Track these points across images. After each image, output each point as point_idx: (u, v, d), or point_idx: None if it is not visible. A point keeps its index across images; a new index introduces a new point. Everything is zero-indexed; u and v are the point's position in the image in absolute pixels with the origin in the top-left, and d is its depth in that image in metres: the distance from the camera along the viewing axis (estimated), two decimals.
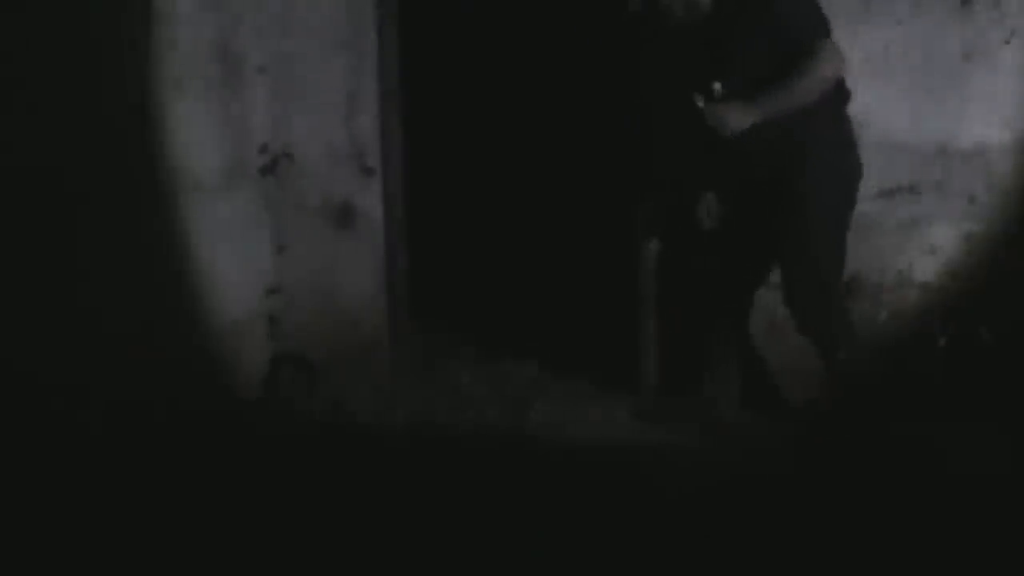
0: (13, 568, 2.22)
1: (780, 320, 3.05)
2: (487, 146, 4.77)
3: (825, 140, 2.83)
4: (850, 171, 2.90)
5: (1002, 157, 3.31)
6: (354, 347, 3.30)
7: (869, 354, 3.01)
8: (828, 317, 2.91)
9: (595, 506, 2.56)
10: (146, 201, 2.87)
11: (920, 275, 3.34)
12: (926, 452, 2.78)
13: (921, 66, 3.26)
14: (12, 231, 2.49)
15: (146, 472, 2.60)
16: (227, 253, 3.07)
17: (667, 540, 2.40)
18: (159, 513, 2.45)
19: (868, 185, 3.29)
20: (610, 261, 3.56)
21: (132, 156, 2.83)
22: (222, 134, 3.05)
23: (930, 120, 3.29)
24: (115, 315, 2.71)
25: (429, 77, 4.32)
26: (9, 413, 2.46)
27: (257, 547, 2.36)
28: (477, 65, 4.72)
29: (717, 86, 2.82)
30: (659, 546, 2.37)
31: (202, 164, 2.99)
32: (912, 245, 3.33)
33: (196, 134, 2.95)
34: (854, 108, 3.13)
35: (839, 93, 2.85)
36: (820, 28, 2.74)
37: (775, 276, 3.01)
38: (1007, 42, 3.27)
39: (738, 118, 2.76)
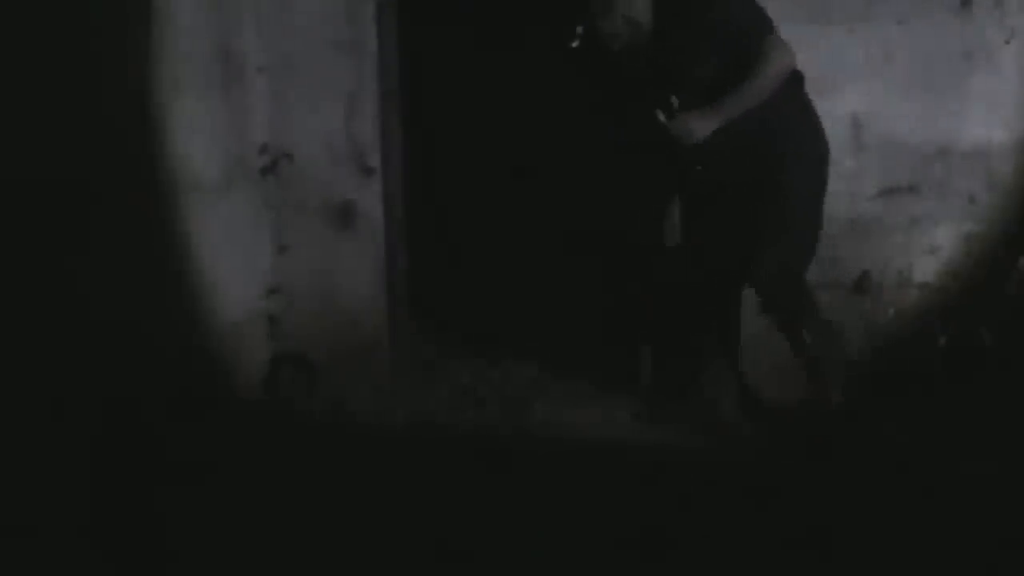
0: (13, 568, 2.22)
1: None
2: (487, 146, 4.77)
3: (791, 126, 2.86)
4: (818, 153, 2.92)
5: (1002, 157, 3.31)
6: (354, 347, 3.30)
7: (837, 336, 3.01)
8: (796, 298, 2.93)
9: (595, 506, 2.56)
10: (146, 201, 2.87)
11: (920, 275, 3.35)
12: (925, 452, 2.78)
13: (921, 66, 3.26)
14: (12, 231, 2.49)
15: (146, 472, 2.60)
16: (227, 253, 3.07)
17: (667, 540, 2.40)
18: (159, 513, 2.45)
19: (868, 185, 3.30)
20: (610, 261, 3.56)
21: (132, 156, 2.83)
22: (222, 134, 3.05)
23: (930, 120, 3.29)
24: (115, 315, 2.71)
25: (429, 77, 4.32)
26: (11, 414, 2.46)
27: (257, 547, 2.36)
28: (477, 65, 4.71)
29: (674, 100, 2.88)
30: (659, 546, 2.37)
31: (202, 164, 2.99)
32: (912, 245, 3.33)
33: (196, 134, 2.95)
34: (854, 108, 3.14)
35: (794, 78, 2.86)
36: (762, 25, 2.78)
37: None
38: (1007, 42, 3.27)
39: (700, 126, 2.83)
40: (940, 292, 3.34)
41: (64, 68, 2.58)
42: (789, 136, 2.85)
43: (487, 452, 2.97)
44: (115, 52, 2.75)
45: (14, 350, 2.50)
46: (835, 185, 3.15)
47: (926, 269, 3.34)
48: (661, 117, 2.88)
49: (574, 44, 2.93)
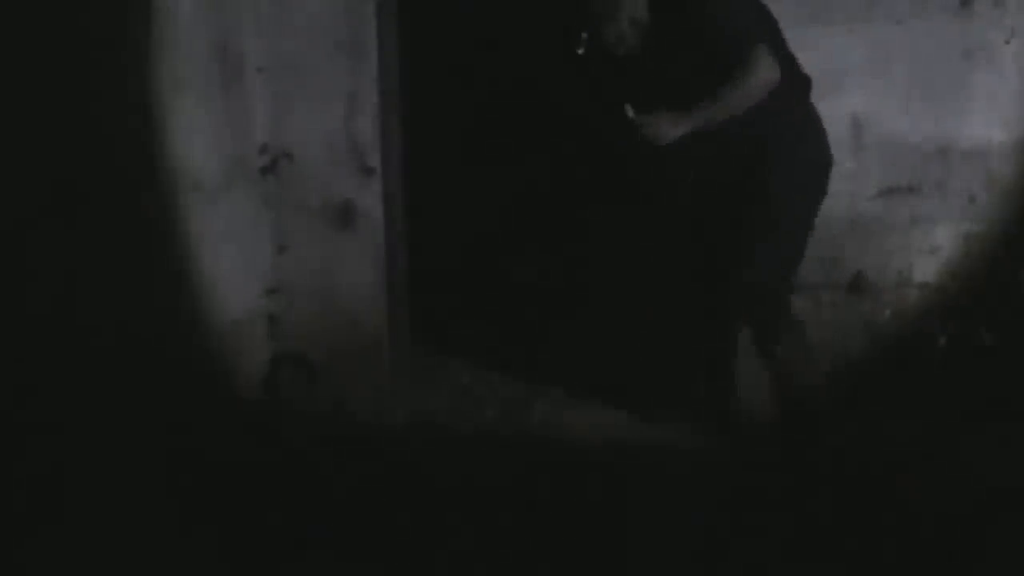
0: (13, 568, 2.22)
1: None
2: (487, 146, 4.77)
3: (786, 130, 2.80)
4: (814, 159, 2.85)
5: (1002, 157, 3.31)
6: (354, 347, 3.29)
7: (811, 354, 2.96)
8: (775, 309, 2.87)
9: (595, 506, 2.56)
10: (146, 201, 2.87)
11: (920, 275, 3.35)
12: (924, 453, 2.78)
13: (921, 66, 3.26)
14: (11, 231, 2.49)
15: (145, 472, 2.60)
16: (227, 253, 3.07)
17: (667, 541, 2.40)
18: (158, 513, 2.45)
19: (868, 185, 3.30)
20: (610, 261, 3.56)
21: (132, 156, 2.83)
22: (222, 134, 3.05)
23: (930, 120, 3.30)
24: (114, 315, 2.71)
25: (429, 77, 4.32)
26: (10, 414, 2.46)
27: (257, 547, 2.36)
28: (477, 65, 4.72)
29: (628, 109, 2.83)
30: (659, 546, 2.37)
31: (202, 164, 2.99)
32: (912, 245, 3.33)
33: (196, 134, 2.95)
34: (854, 108, 3.14)
35: (797, 82, 2.83)
36: (752, 37, 2.70)
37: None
38: (1007, 42, 3.27)
39: (670, 129, 2.77)
40: (940, 292, 3.34)
41: (63, 67, 2.58)
42: (784, 143, 2.79)
43: (487, 452, 2.97)
44: (115, 51, 2.75)
45: (14, 350, 2.50)
46: (835, 185, 3.15)
47: (926, 269, 3.35)
48: (630, 113, 2.80)
49: (580, 51, 2.90)
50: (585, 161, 4.18)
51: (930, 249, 3.34)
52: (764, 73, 2.69)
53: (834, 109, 3.14)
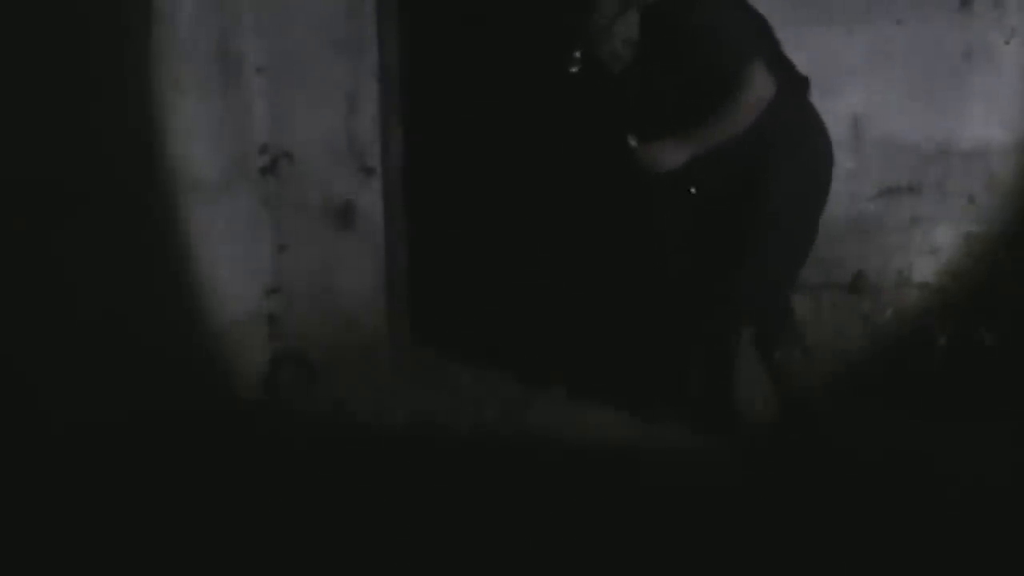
0: (13, 569, 2.22)
1: None
2: (487, 146, 4.77)
3: (786, 132, 2.77)
4: (815, 160, 2.83)
5: (1002, 157, 3.31)
6: (354, 347, 3.30)
7: (808, 355, 2.95)
8: (778, 311, 2.88)
9: (595, 506, 2.56)
10: (146, 201, 2.87)
11: (920, 275, 3.35)
12: (924, 453, 2.78)
13: (921, 66, 3.26)
14: (11, 231, 2.49)
15: (146, 472, 2.60)
16: (227, 253, 3.07)
17: (667, 541, 2.40)
18: (159, 513, 2.45)
19: (868, 185, 3.30)
20: (610, 261, 3.56)
21: (132, 156, 2.83)
22: (222, 134, 3.05)
23: (930, 120, 3.30)
24: (115, 315, 2.71)
25: (429, 77, 4.32)
26: (8, 414, 2.46)
27: (257, 547, 2.36)
28: (478, 65, 4.71)
29: (631, 140, 2.85)
30: (659, 547, 2.37)
31: (202, 164, 2.99)
32: (912, 245, 3.33)
33: (196, 134, 2.95)
34: (854, 108, 3.14)
35: (795, 83, 2.82)
36: (745, 52, 2.68)
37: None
38: (1007, 42, 3.27)
39: (669, 157, 2.79)
40: (940, 292, 3.34)
41: (64, 67, 2.58)
42: (784, 145, 2.77)
43: (487, 452, 2.97)
44: (115, 51, 2.75)
45: (14, 351, 2.50)
46: (835, 185, 3.14)
47: (926, 269, 3.35)
48: (632, 142, 2.84)
49: (573, 69, 2.91)
50: (585, 161, 4.18)
51: (930, 249, 3.34)
52: (758, 91, 2.67)
53: (834, 109, 3.14)
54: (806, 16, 3.20)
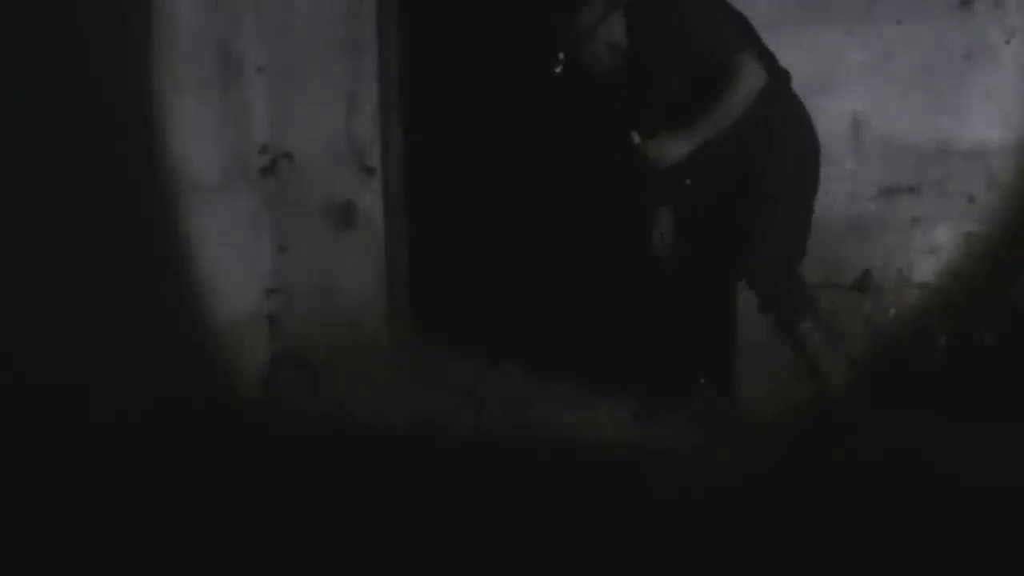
0: (14, 568, 2.22)
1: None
2: (487, 146, 4.78)
3: (776, 126, 2.84)
4: (806, 147, 2.91)
5: (1002, 157, 3.30)
6: (354, 347, 3.30)
7: (836, 335, 2.99)
8: (790, 294, 2.94)
9: (595, 506, 2.56)
10: (146, 201, 2.87)
11: (920, 275, 3.34)
12: (925, 452, 2.78)
13: (921, 66, 3.26)
14: (12, 231, 2.49)
15: (147, 472, 2.61)
16: (227, 253, 3.07)
17: (667, 541, 2.40)
18: (160, 513, 2.45)
19: (868, 185, 3.30)
20: (610, 261, 3.56)
21: (132, 156, 2.83)
22: (222, 134, 3.05)
23: (930, 120, 3.29)
24: (114, 315, 2.71)
25: (429, 77, 4.32)
26: (10, 414, 2.46)
27: (257, 547, 2.36)
28: (477, 65, 4.72)
29: (635, 136, 2.88)
30: (659, 547, 2.37)
31: (202, 164, 2.99)
32: (912, 245, 3.33)
33: (196, 134, 2.95)
34: (854, 108, 3.13)
35: (778, 77, 2.86)
36: (733, 43, 2.76)
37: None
38: (1007, 42, 3.26)
39: (674, 150, 2.83)
40: (940, 292, 3.34)
41: (64, 67, 2.58)
42: (773, 136, 2.84)
43: (487, 452, 2.97)
44: (115, 51, 2.75)
45: (14, 351, 2.50)
46: (835, 185, 3.16)
47: (926, 269, 3.34)
48: (636, 139, 2.87)
49: (557, 70, 2.93)
50: (585, 159, 4.18)
51: (930, 249, 3.33)
52: (751, 81, 2.75)
53: (834, 109, 3.14)
54: (806, 16, 3.20)
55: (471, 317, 4.01)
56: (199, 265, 2.99)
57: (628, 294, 3.58)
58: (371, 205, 3.30)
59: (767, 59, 2.85)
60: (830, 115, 3.06)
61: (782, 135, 2.85)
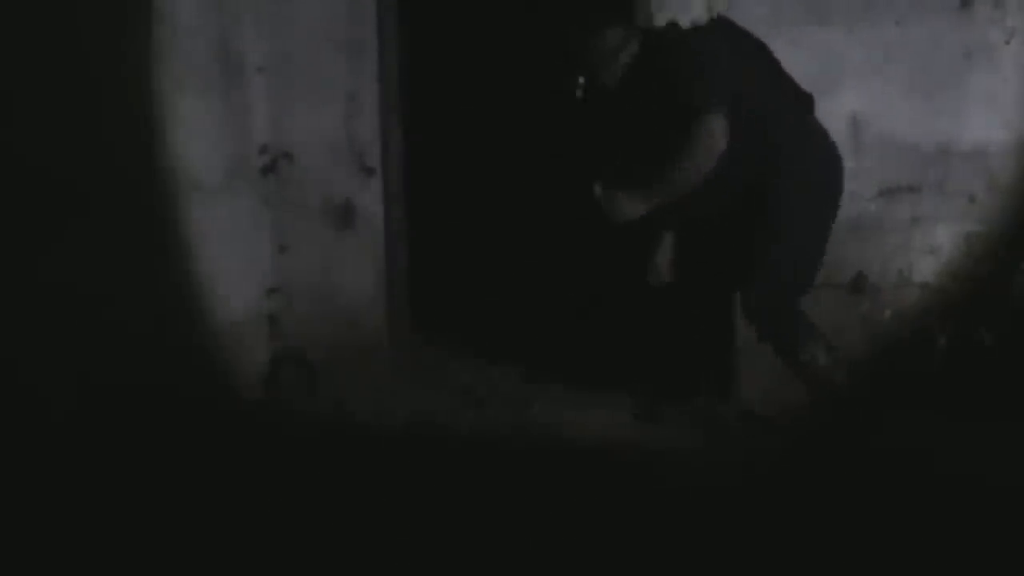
0: (11, 567, 2.22)
1: None
2: (487, 146, 4.77)
3: (788, 150, 2.78)
4: (817, 176, 2.84)
5: (1002, 157, 3.31)
6: (354, 347, 3.30)
7: (837, 354, 2.92)
8: (788, 328, 2.85)
9: (595, 506, 2.56)
10: (146, 201, 2.87)
11: (920, 275, 3.34)
12: (925, 452, 2.78)
13: (921, 66, 3.26)
14: (12, 231, 2.49)
15: (147, 472, 2.61)
16: (227, 253, 3.07)
17: (667, 540, 2.40)
18: (160, 513, 2.45)
19: (868, 185, 3.30)
20: (611, 261, 3.56)
21: (132, 156, 2.83)
22: (222, 134, 3.05)
23: (930, 120, 3.29)
24: (115, 315, 2.71)
25: (429, 77, 4.32)
26: (9, 415, 2.46)
27: (257, 547, 2.36)
28: (478, 65, 4.72)
29: (597, 189, 2.86)
30: (659, 546, 2.37)
31: (202, 164, 2.99)
32: (912, 245, 3.33)
33: (196, 134, 2.96)
34: (854, 108, 3.13)
35: (795, 101, 2.83)
36: (706, 100, 2.67)
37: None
38: (1007, 42, 3.27)
39: (628, 209, 2.81)
40: (940, 292, 3.34)
41: (64, 68, 2.58)
42: (785, 165, 2.77)
43: (487, 452, 2.97)
44: (115, 52, 2.75)
45: (14, 351, 2.50)
46: None
47: (926, 269, 3.34)
48: (597, 190, 2.85)
49: (578, 94, 2.92)
50: (585, 159, 4.17)
51: (930, 249, 3.33)
52: (704, 149, 2.67)
53: (834, 109, 3.14)
54: (806, 16, 3.20)
55: (471, 317, 4.01)
56: (199, 265, 3.00)
57: (628, 294, 3.57)
58: (371, 205, 3.30)
59: (784, 86, 2.81)
60: (830, 115, 3.06)
61: (791, 167, 2.78)
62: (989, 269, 3.31)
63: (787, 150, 2.78)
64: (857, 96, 3.24)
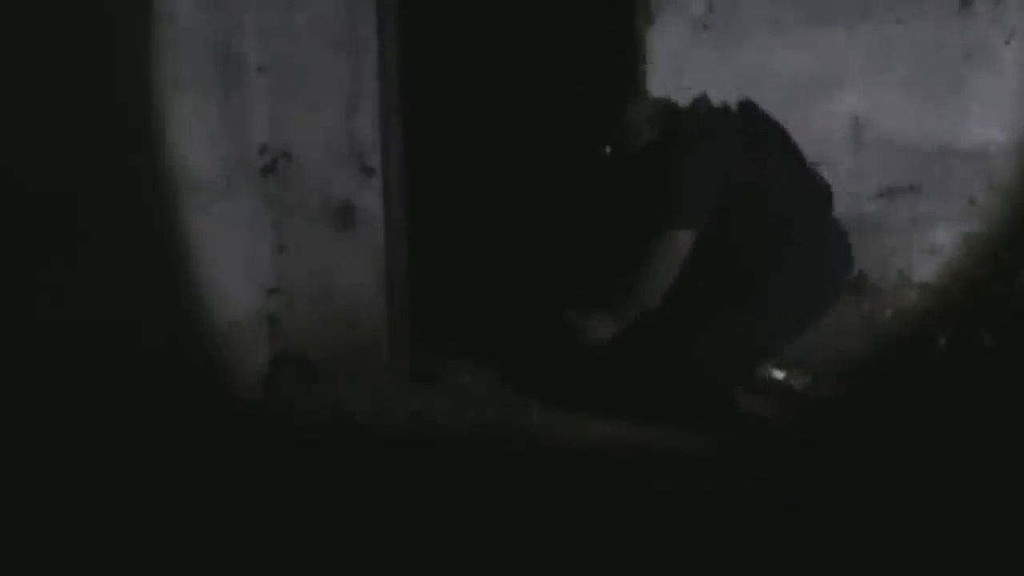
0: (11, 568, 2.22)
1: None
2: (487, 145, 4.77)
3: (791, 243, 2.86)
4: (817, 272, 2.91)
5: (1002, 158, 3.31)
6: (354, 347, 3.29)
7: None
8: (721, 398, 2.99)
9: (596, 506, 2.56)
10: (146, 201, 2.87)
11: (920, 275, 3.35)
12: (924, 453, 2.78)
13: (921, 66, 3.26)
14: (11, 231, 2.49)
15: (147, 472, 2.61)
16: (227, 253, 3.07)
17: (668, 541, 2.40)
18: (159, 513, 2.45)
19: (868, 185, 3.30)
20: (611, 259, 3.55)
21: (132, 156, 2.83)
22: (222, 134, 3.05)
23: (930, 120, 3.30)
24: (114, 316, 2.71)
25: (429, 77, 4.32)
26: (8, 415, 2.46)
27: (257, 547, 2.36)
28: (478, 65, 4.72)
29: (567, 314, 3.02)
30: (660, 547, 2.37)
31: (202, 164, 2.99)
32: (913, 245, 3.33)
33: (196, 134, 2.95)
34: (854, 108, 3.14)
35: (814, 198, 2.89)
36: (677, 214, 2.80)
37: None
38: (1007, 42, 3.27)
39: (597, 331, 2.98)
40: (940, 292, 3.34)
41: (64, 68, 2.58)
42: (786, 256, 2.86)
43: (487, 452, 2.97)
44: (115, 51, 2.74)
45: (13, 351, 2.49)
46: (835, 185, 3.16)
47: (926, 269, 3.35)
48: (571, 316, 3.01)
49: (605, 163, 3.03)
50: (585, 159, 4.17)
51: (930, 249, 3.34)
52: (665, 266, 2.84)
53: (834, 109, 3.15)
54: (806, 16, 3.20)
55: (471, 317, 4.00)
56: (199, 265, 2.99)
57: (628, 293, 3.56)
58: (371, 205, 3.30)
59: (803, 178, 2.87)
60: (830, 115, 3.07)
61: (791, 258, 2.85)
62: (989, 270, 3.31)
63: (793, 260, 2.85)
64: (858, 96, 3.24)
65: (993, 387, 3.03)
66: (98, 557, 2.27)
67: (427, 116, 4.11)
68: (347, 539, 2.41)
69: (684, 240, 2.81)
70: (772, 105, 3.18)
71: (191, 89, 2.92)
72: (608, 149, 2.99)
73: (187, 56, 2.90)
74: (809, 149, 3.04)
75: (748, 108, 2.95)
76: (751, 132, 2.88)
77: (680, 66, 3.23)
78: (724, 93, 3.19)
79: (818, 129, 3.16)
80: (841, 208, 3.23)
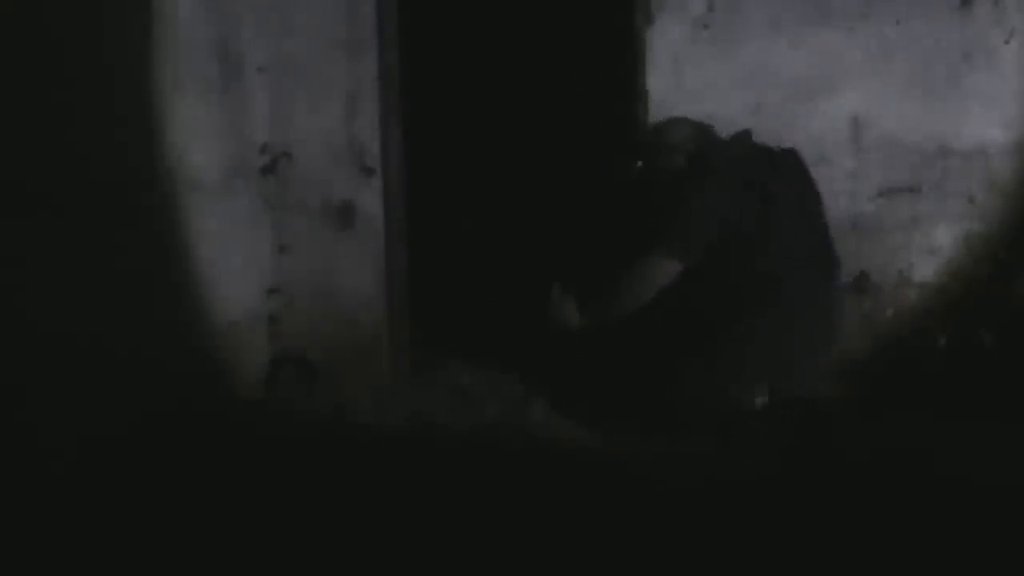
0: (12, 568, 2.22)
1: None
2: (487, 145, 4.78)
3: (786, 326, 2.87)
4: (808, 345, 2.92)
5: (1002, 157, 3.31)
6: (354, 347, 3.30)
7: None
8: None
9: (596, 506, 2.56)
10: (146, 201, 2.87)
11: (920, 275, 3.35)
12: (925, 452, 2.78)
13: (921, 66, 3.26)
14: (11, 231, 2.49)
15: (146, 473, 2.61)
16: (227, 253, 3.07)
17: (668, 541, 2.40)
18: (159, 515, 2.45)
19: (868, 185, 3.30)
20: (611, 260, 3.55)
21: (132, 156, 2.83)
22: (222, 134, 3.05)
23: (930, 120, 3.30)
24: (114, 315, 2.71)
25: (429, 77, 4.32)
26: (8, 415, 2.46)
27: (257, 548, 2.36)
28: (478, 64, 4.72)
29: (555, 289, 3.03)
30: (660, 547, 2.37)
31: (202, 164, 2.99)
32: (912, 245, 3.33)
33: (196, 134, 2.96)
34: (854, 108, 3.14)
35: (816, 264, 2.89)
36: (671, 241, 2.82)
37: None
38: (1007, 42, 3.27)
39: (571, 319, 2.99)
40: (940, 292, 3.34)
41: (64, 68, 2.58)
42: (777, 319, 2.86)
43: (487, 452, 2.97)
44: (115, 51, 2.75)
45: (13, 351, 2.49)
46: (835, 185, 3.17)
47: (926, 269, 3.35)
48: (556, 291, 3.00)
49: (632, 175, 3.04)
50: (585, 159, 4.18)
51: (930, 249, 3.34)
52: (642, 287, 2.86)
53: (834, 109, 3.15)
54: (806, 16, 3.20)
55: (471, 317, 4.00)
56: (199, 265, 3.00)
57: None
58: (371, 205, 3.30)
59: (816, 245, 2.88)
60: (830, 115, 3.07)
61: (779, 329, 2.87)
62: (989, 269, 3.31)
63: (780, 323, 2.86)
64: (857, 96, 3.24)
65: (993, 387, 3.03)
66: (97, 556, 2.27)
67: (427, 116, 4.12)
68: (347, 539, 2.41)
69: (671, 269, 2.83)
70: (772, 105, 3.19)
71: (191, 89, 2.93)
72: (639, 164, 3.01)
73: (187, 56, 2.90)
74: (809, 149, 3.05)
75: (785, 156, 2.95)
76: (775, 183, 2.88)
77: (680, 66, 3.23)
78: (724, 93, 3.20)
79: (818, 129, 3.15)
80: (841, 208, 3.24)
